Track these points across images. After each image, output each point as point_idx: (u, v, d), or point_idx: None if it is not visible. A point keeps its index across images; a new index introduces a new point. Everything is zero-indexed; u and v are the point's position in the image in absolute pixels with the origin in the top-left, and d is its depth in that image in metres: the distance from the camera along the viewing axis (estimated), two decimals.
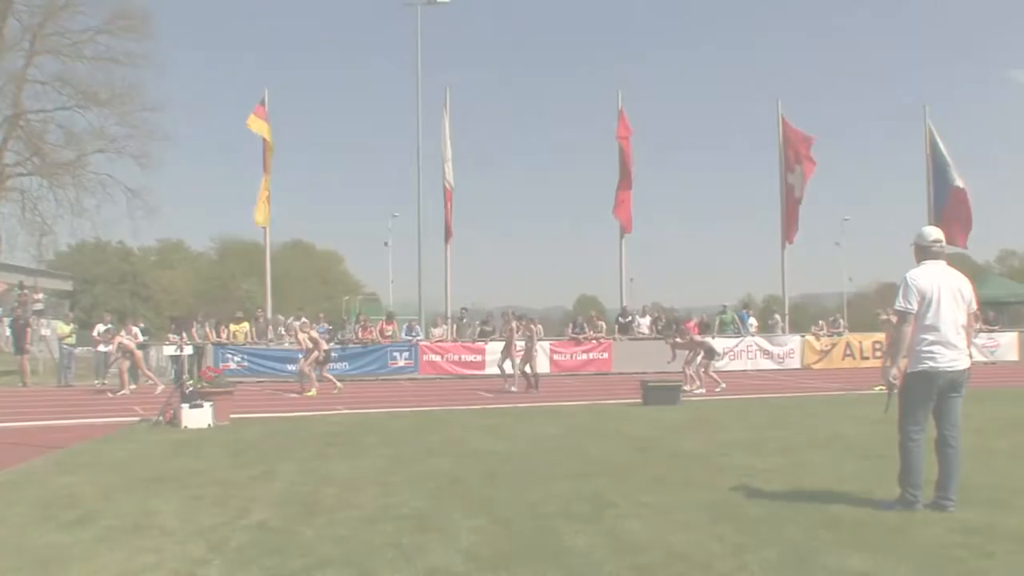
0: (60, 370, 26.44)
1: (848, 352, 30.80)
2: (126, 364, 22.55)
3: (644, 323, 30.94)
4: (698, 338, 22.32)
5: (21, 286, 34.53)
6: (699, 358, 21.35)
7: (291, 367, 26.60)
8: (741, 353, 29.92)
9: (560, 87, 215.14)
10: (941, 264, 7.40)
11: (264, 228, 31.11)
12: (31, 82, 34.51)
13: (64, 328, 26.66)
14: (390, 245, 72.22)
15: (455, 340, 29.34)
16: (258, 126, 29.96)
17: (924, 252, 7.43)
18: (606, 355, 28.74)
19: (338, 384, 21.66)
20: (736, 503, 7.59)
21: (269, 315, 29.99)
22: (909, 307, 7.20)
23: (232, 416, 15.02)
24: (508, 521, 7.01)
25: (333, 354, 24.72)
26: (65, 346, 26.12)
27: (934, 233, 7.50)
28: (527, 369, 22.47)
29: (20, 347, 26.45)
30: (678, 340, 22.24)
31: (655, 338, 29.70)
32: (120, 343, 22.67)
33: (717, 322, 31.30)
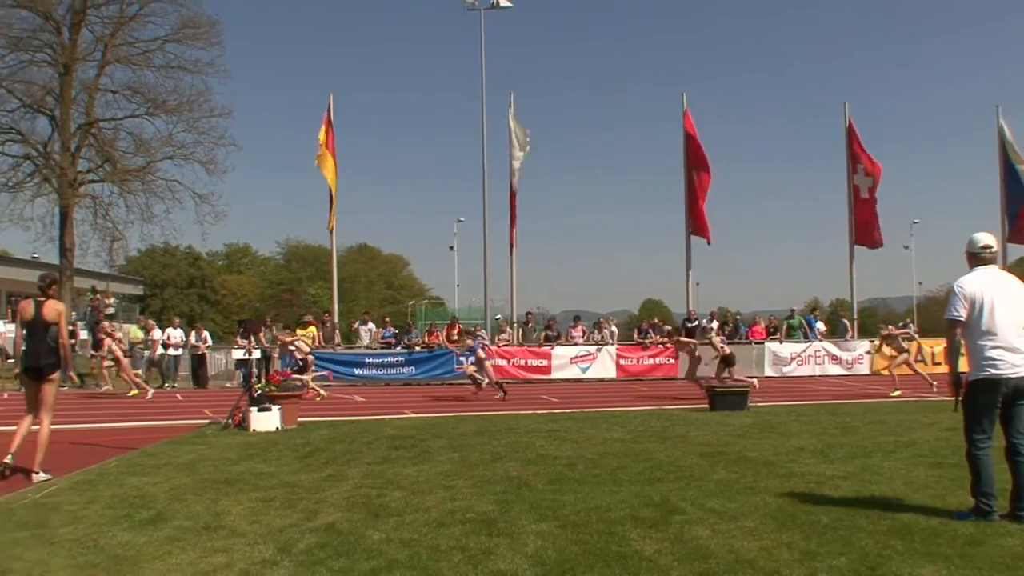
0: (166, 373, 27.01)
1: (919, 357, 30.18)
2: (107, 363, 23.08)
3: (711, 328, 30.69)
4: (694, 341, 21.92)
5: (94, 290, 35.15)
6: (717, 364, 21.05)
7: (358, 371, 26.87)
8: (809, 358, 29.55)
9: (626, 90, 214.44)
10: (993, 269, 7.29)
11: (331, 232, 31.49)
12: (102, 91, 35.10)
13: (137, 332, 27.14)
14: (455, 250, 72.33)
15: (521, 344, 29.36)
16: (326, 134, 30.35)
17: (975, 258, 7.33)
18: (672, 360, 28.56)
19: (322, 392, 21.48)
20: (804, 510, 7.50)
21: (336, 319, 30.22)
22: (956, 315, 7.11)
23: (299, 420, 15.18)
24: (575, 526, 7.00)
25: (399, 358, 24.82)
26: (136, 350, 26.57)
27: (984, 239, 7.38)
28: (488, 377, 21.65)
29: (98, 350, 26.96)
30: (680, 339, 21.87)
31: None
32: (109, 346, 23.03)
33: (785, 327, 30.93)
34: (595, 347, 28.92)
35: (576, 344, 29.41)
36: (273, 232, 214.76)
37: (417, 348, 28.39)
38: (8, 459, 10.03)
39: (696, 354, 21.57)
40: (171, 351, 27.18)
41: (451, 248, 72.07)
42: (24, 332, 10.37)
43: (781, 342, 29.80)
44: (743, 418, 15.60)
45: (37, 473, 9.91)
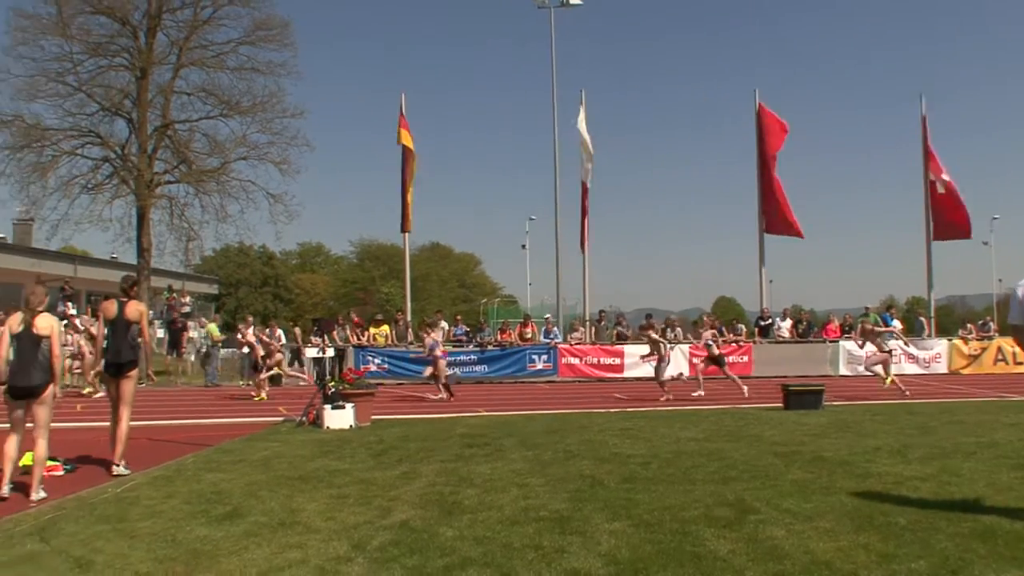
0: (208, 370, 27.42)
1: (1000, 356, 29.56)
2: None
3: (784, 326, 30.38)
4: (664, 340, 21.51)
5: (170, 289, 35.73)
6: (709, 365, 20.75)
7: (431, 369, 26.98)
8: None
9: (696, 85, 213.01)
10: None
11: (406, 234, 31.85)
12: (178, 93, 35.61)
13: (216, 330, 27.59)
14: (527, 248, 72.36)
15: (593, 343, 29.31)
16: (403, 135, 30.60)
17: None
18: (746, 359, 28.28)
19: (263, 394, 21.23)
20: (882, 511, 7.38)
21: (409, 318, 30.41)
22: (1015, 320, 6.96)
23: (373, 417, 15.30)
24: (648, 525, 6.98)
25: (471, 356, 24.86)
26: (213, 347, 27.02)
27: None
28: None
29: (176, 348, 27.49)
30: (652, 336, 21.48)
31: (796, 341, 29.17)
32: (79, 343, 23.32)
33: (860, 326, 30.35)
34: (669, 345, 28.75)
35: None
36: (346, 231, 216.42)
37: (490, 346, 28.46)
38: (116, 466, 10.30)
39: (664, 354, 21.15)
40: (245, 349, 27.54)
41: (523, 246, 72.15)
42: (107, 330, 10.63)
43: (862, 345, 29.28)
44: (818, 417, 15.41)
45: (117, 465, 10.20)
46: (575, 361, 27.44)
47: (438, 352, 21.36)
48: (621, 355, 28.14)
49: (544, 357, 27.71)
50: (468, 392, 22.90)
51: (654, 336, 21.41)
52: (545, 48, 33.94)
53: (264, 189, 35.91)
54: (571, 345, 28.54)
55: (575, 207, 32.41)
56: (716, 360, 20.51)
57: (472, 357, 27.87)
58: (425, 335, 22.15)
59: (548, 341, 28.77)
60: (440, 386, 20.96)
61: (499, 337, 29.22)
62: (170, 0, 34.86)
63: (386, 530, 6.97)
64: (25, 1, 36.78)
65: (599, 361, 28.17)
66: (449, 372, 22.31)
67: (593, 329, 30.43)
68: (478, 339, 29.34)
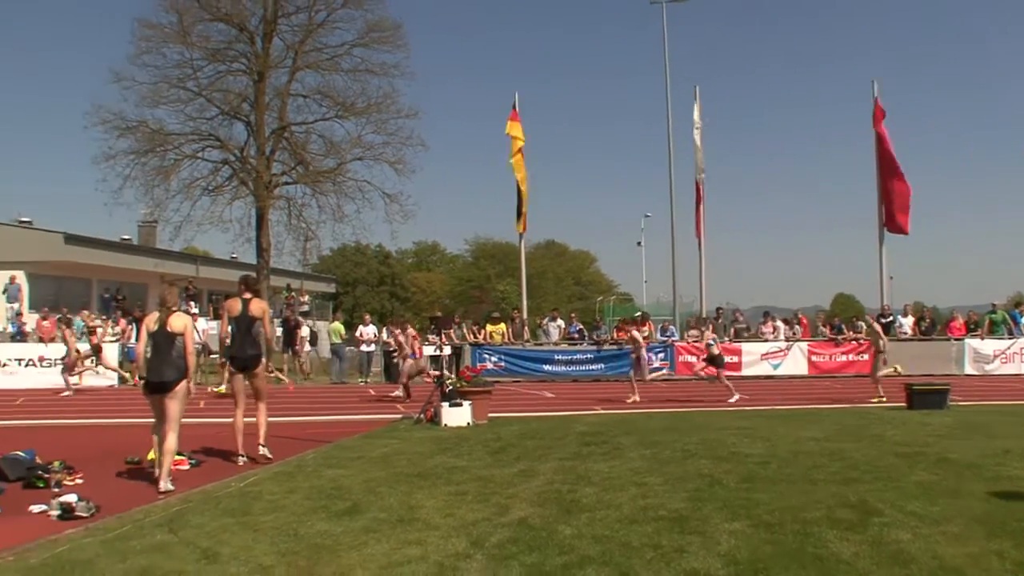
0: (334, 368, 27.98)
1: None
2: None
3: (906, 323, 29.65)
4: (641, 338, 20.86)
5: (289, 288, 36.44)
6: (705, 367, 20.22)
7: (547, 367, 27.10)
8: (1014, 356, 28.09)
9: (809, 79, 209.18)
10: None
11: (522, 234, 32.15)
12: (294, 96, 36.41)
13: (342, 329, 28.13)
14: (643, 245, 71.83)
15: None
16: (514, 130, 30.73)
17: None
18: (866, 357, 27.67)
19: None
20: (1016, 516, 7.12)
21: (525, 316, 30.52)
22: None
23: (490, 415, 15.37)
24: (769, 526, 6.88)
25: (588, 355, 24.78)
26: (340, 346, 27.52)
27: None
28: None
29: (291, 346, 28.03)
30: (634, 333, 20.87)
31: (919, 339, 28.45)
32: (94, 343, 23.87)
33: (987, 322, 29.47)
34: (786, 343, 28.35)
35: (767, 340, 28.87)
36: (461, 230, 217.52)
37: (606, 345, 28.37)
38: (260, 448, 11.11)
39: (643, 353, 20.77)
40: (363, 347, 28.01)
41: (638, 244, 71.68)
42: (231, 328, 11.00)
43: (983, 338, 28.47)
44: (943, 417, 14.99)
45: (263, 446, 10.83)
46: (692, 359, 27.19)
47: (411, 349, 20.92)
48: (739, 353, 27.79)
49: (661, 355, 27.50)
50: (584, 390, 22.85)
51: (635, 334, 20.90)
52: (659, 42, 33.93)
53: (380, 189, 36.47)
54: (688, 343, 28.30)
55: (690, 202, 32.23)
56: (714, 360, 19.98)
57: (589, 356, 27.86)
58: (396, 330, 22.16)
59: (665, 339, 28.58)
60: (401, 384, 20.49)
61: (615, 335, 29.11)
62: (285, 5, 35.75)
63: (504, 527, 7.00)
64: (149, 11, 37.95)
65: None
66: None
67: (711, 326, 30.15)
68: (594, 337, 29.31)
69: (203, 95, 35.31)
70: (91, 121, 34.19)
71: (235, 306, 11.07)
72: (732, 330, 29.85)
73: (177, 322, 9.56)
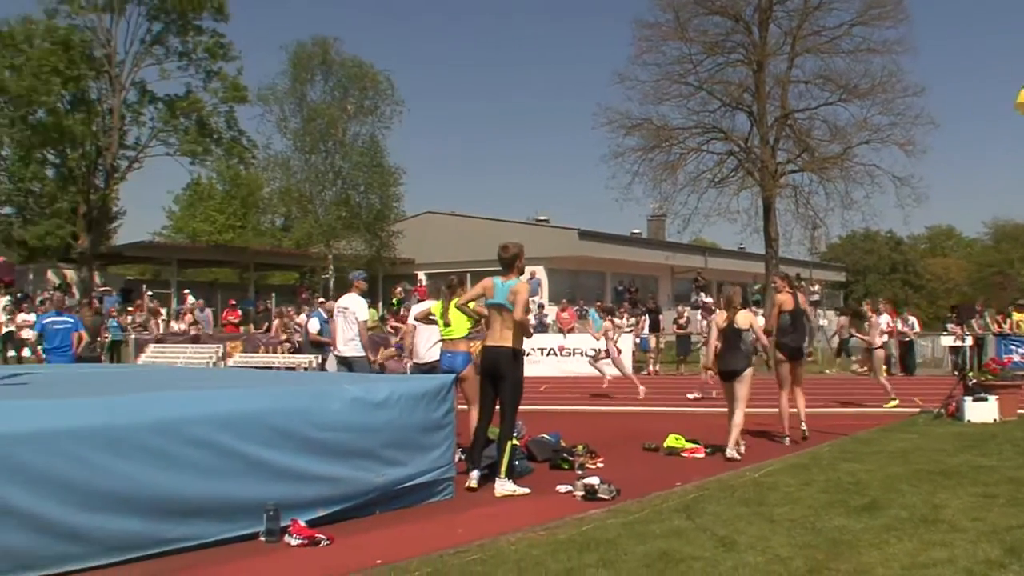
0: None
1: None
2: None
3: None
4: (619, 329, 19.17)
5: (797, 278, 36.15)
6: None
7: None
8: None
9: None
10: None
11: None
12: (794, 82, 36.03)
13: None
14: None
15: None
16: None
17: None
18: None
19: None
20: None
21: None
22: None
23: (1019, 411, 14.28)
24: None
25: None
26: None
27: None
28: None
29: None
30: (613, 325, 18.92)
31: None
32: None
33: None
34: None
35: None
36: (979, 212, 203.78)
37: None
38: (802, 428, 12.36)
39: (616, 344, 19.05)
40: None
41: None
42: (784, 319, 12.53)
43: None
44: None
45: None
46: None
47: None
48: None
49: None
50: None
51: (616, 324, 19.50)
52: None
53: (889, 173, 35.19)
54: None
55: None
56: None
57: None
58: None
59: None
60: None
61: None
62: None
63: None
64: (645, 12, 39.29)
65: None
66: None
67: None
68: None
69: (704, 88, 36.04)
70: (598, 121, 36.22)
71: (789, 301, 12.48)
72: None
73: (741, 319, 11.05)
